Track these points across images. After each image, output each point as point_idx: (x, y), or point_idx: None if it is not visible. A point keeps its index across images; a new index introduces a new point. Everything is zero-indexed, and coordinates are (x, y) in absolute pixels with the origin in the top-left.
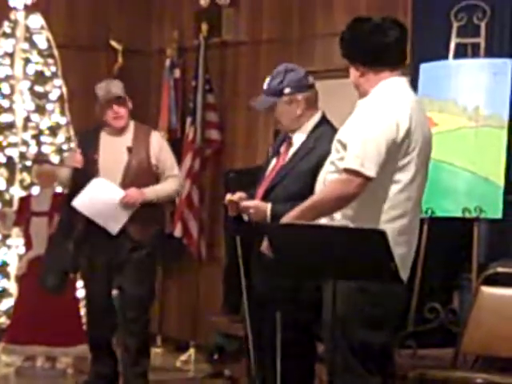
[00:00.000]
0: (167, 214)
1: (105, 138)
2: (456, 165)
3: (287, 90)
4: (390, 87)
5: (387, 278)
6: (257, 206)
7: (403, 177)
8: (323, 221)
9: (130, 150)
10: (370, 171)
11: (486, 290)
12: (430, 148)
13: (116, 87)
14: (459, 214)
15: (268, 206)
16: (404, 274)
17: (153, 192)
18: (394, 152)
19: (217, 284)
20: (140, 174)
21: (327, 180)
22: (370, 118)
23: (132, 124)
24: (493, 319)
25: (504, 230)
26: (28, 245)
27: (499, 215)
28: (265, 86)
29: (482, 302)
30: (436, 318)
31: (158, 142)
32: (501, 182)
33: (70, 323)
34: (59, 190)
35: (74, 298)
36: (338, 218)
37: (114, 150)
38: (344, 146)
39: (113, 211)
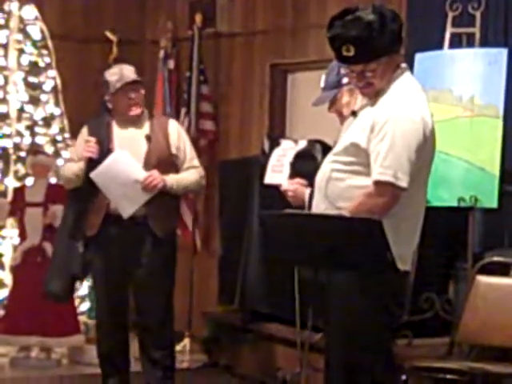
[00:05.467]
0: None
1: (118, 127)
2: (451, 154)
3: (346, 80)
4: (407, 87)
5: (383, 267)
6: (295, 190)
7: (421, 176)
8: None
9: (148, 138)
10: (403, 182)
11: (482, 279)
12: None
13: (130, 71)
14: (454, 204)
15: (306, 192)
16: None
17: (174, 180)
18: (420, 156)
19: (211, 275)
20: (161, 164)
21: (332, 178)
22: (397, 123)
23: (146, 112)
24: (488, 308)
25: (499, 219)
26: (22, 235)
27: (494, 205)
28: (322, 84)
29: (477, 292)
30: (431, 307)
31: (176, 131)
32: (496, 171)
33: (64, 313)
34: (53, 180)
35: None
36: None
37: (130, 140)
38: (359, 150)
39: (131, 191)
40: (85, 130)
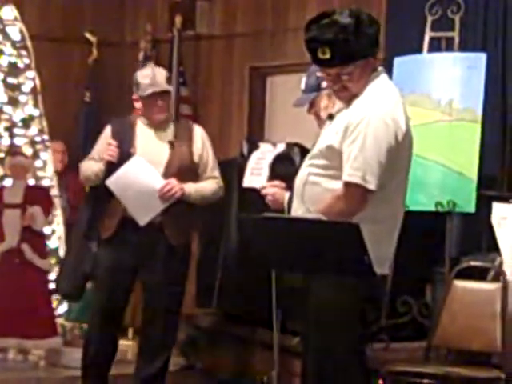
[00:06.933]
0: None
1: (142, 130)
2: (429, 159)
3: (325, 84)
4: (382, 89)
5: (361, 271)
6: (274, 193)
7: (398, 179)
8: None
9: (171, 144)
10: (371, 184)
11: (459, 283)
12: (412, 145)
13: (162, 76)
14: (432, 208)
15: (286, 195)
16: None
17: (192, 188)
18: (393, 159)
19: (189, 277)
20: (182, 171)
21: (308, 182)
22: (369, 126)
23: (171, 115)
24: (465, 313)
25: (476, 223)
26: (0, 237)
27: (472, 209)
28: (302, 86)
29: (454, 296)
30: (408, 311)
31: (201, 138)
32: (474, 176)
33: (42, 316)
34: (32, 182)
35: (46, 290)
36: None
37: (152, 144)
38: (334, 153)
39: (147, 199)
40: (108, 130)
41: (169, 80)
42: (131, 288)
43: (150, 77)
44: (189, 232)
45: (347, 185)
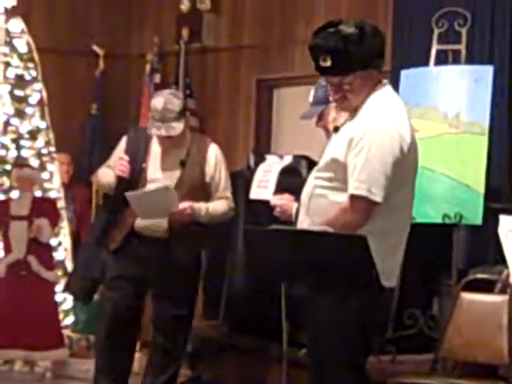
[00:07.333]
0: None
1: (156, 146)
2: (437, 171)
3: None
4: (386, 101)
5: (368, 283)
6: (282, 205)
7: (404, 191)
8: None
9: (182, 164)
10: (378, 197)
11: (466, 295)
12: (418, 157)
13: (172, 113)
14: (439, 220)
15: (294, 206)
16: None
17: (203, 208)
18: (398, 171)
19: None
20: (191, 191)
21: (314, 194)
22: (374, 138)
23: (188, 134)
24: (472, 325)
25: (483, 236)
26: (7, 249)
27: (479, 222)
28: (310, 99)
29: (461, 308)
30: (415, 323)
31: (214, 158)
32: (481, 188)
33: (48, 327)
34: (39, 193)
35: (52, 301)
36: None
37: (165, 162)
38: (339, 165)
39: (159, 215)
40: (123, 142)
41: (182, 114)
42: (140, 299)
43: (160, 112)
44: (196, 248)
45: (353, 197)
